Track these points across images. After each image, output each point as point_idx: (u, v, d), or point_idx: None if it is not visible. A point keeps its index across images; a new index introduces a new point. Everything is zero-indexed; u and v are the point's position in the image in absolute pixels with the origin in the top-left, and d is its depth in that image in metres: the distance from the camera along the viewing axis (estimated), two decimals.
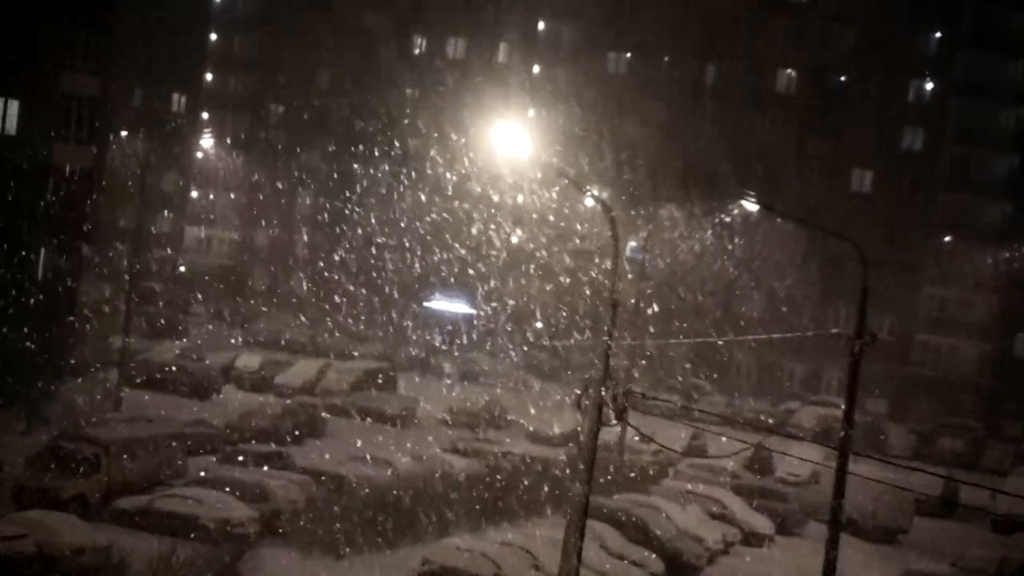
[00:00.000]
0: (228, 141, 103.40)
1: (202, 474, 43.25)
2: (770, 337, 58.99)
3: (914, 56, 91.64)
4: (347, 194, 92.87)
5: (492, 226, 77.79)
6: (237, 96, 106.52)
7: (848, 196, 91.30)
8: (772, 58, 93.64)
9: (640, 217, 77.10)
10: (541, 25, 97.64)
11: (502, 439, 57.53)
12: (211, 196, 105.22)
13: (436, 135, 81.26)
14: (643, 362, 68.59)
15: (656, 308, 71.54)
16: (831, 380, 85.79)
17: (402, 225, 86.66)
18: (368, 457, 47.40)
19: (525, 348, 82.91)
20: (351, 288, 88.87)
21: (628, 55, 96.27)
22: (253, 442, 50.43)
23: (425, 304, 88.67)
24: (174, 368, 63.85)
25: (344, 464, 46.23)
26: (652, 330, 69.67)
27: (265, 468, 44.54)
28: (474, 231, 79.75)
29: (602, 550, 39.01)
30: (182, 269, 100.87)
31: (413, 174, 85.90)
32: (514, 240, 78.46)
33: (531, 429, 62.10)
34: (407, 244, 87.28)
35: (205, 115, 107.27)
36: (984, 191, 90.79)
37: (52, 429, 47.41)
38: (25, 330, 52.56)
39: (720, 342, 76.89)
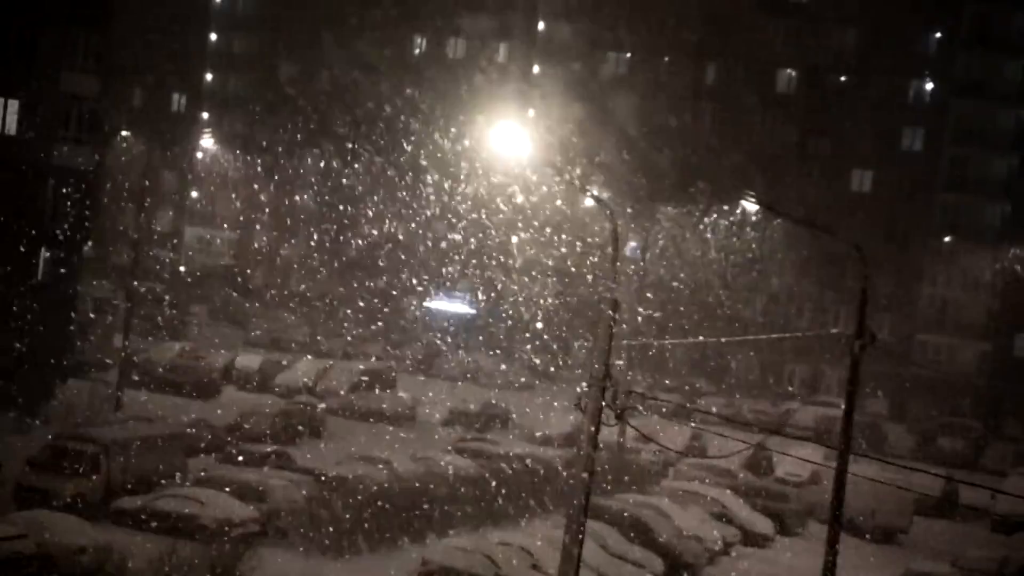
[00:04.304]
0: (228, 141, 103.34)
1: (202, 474, 43.25)
2: (770, 337, 59.04)
3: (914, 56, 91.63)
4: (347, 194, 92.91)
5: (492, 226, 77.80)
6: (237, 96, 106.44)
7: (848, 196, 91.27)
8: (772, 58, 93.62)
9: (640, 217, 77.11)
10: (541, 25, 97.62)
11: (502, 439, 57.49)
12: (211, 196, 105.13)
13: (436, 135, 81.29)
14: (643, 362, 68.64)
15: (656, 308, 71.56)
16: (831, 380, 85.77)
17: (402, 225, 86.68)
18: (368, 457, 47.39)
19: (525, 348, 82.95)
20: (351, 288, 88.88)
21: (628, 55, 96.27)
22: (253, 442, 50.43)
23: (425, 304, 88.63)
24: (174, 368, 63.85)
25: (344, 464, 46.21)
26: (652, 330, 69.66)
27: (265, 468, 44.53)
28: (474, 231, 79.78)
29: (602, 550, 39.00)
30: (182, 269, 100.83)
31: (413, 174, 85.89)
32: (514, 240, 78.48)
33: (531, 429, 62.06)
34: (407, 244, 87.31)
35: (205, 115, 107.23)
36: (984, 191, 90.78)
37: (52, 429, 47.40)
38: (25, 330, 52.58)
39: (720, 342, 76.91)
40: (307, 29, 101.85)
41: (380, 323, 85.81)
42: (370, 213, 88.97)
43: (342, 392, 65.47)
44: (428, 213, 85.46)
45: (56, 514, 35.90)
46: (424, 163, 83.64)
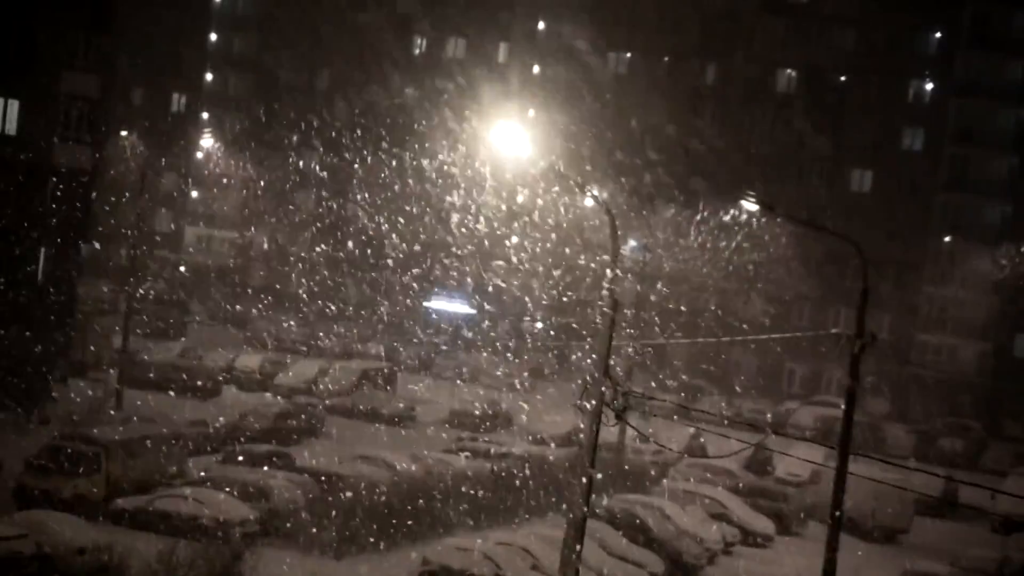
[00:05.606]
0: (228, 141, 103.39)
1: (202, 474, 43.26)
2: (770, 337, 58.97)
3: (914, 56, 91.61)
4: (347, 194, 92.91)
5: (492, 226, 77.80)
6: (237, 96, 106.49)
7: (848, 196, 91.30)
8: (772, 58, 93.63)
9: (640, 217, 77.14)
10: (541, 25, 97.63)
11: (502, 439, 57.48)
12: (211, 196, 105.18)
13: (436, 135, 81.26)
14: (643, 362, 68.61)
15: (656, 308, 71.56)
16: (831, 380, 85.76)
17: (402, 225, 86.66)
18: (368, 457, 47.39)
19: (525, 348, 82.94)
20: (351, 288, 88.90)
21: (628, 55, 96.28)
22: (253, 442, 50.43)
23: (425, 304, 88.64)
24: (174, 368, 63.88)
25: (344, 464, 46.21)
26: (653, 330, 69.66)
27: (265, 468, 44.52)
28: (474, 231, 79.80)
29: (602, 550, 39.00)
30: (182, 269, 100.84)
31: (413, 174, 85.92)
32: (514, 240, 78.50)
33: (531, 429, 62.06)
34: (407, 244, 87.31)
35: (205, 115, 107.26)
36: (984, 191, 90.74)
37: (52, 429, 47.42)
38: (25, 330, 52.59)
39: (720, 342, 76.88)
40: (307, 29, 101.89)
41: (380, 323, 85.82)
42: (369, 213, 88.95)
43: (342, 392, 65.47)
44: (428, 213, 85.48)
45: (56, 514, 35.90)
46: (424, 163, 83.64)
